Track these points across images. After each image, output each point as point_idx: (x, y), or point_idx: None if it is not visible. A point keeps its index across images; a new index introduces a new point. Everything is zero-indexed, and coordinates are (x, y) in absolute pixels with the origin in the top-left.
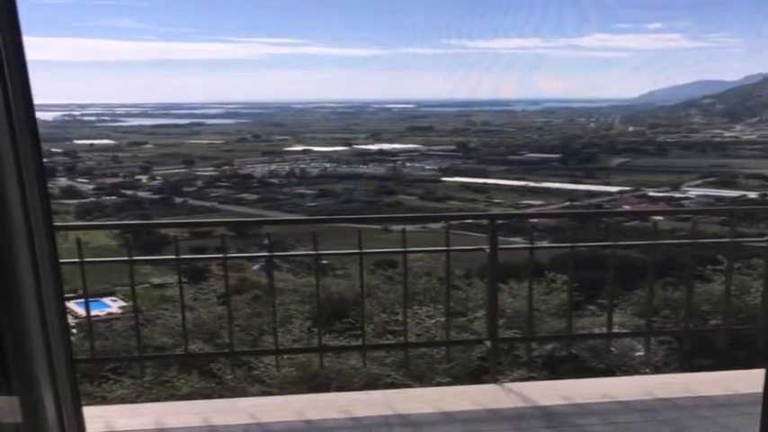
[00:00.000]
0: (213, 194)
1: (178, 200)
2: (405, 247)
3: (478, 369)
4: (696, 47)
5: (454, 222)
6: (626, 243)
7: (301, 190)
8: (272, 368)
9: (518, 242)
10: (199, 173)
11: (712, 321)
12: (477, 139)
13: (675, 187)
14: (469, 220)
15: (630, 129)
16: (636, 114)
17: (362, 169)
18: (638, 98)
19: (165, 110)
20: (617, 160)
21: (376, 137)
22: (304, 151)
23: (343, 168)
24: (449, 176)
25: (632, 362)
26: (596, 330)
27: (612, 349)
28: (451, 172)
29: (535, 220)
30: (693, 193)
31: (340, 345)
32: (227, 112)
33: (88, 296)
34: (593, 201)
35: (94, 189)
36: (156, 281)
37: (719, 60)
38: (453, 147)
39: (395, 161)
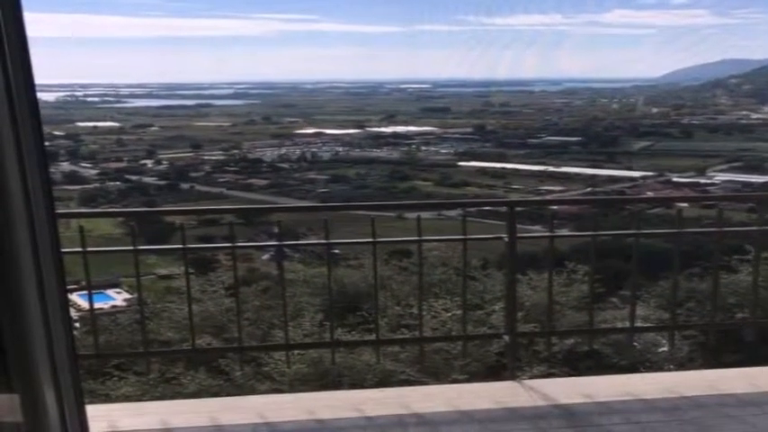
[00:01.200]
0: (221, 180)
1: (184, 186)
2: (420, 236)
3: (496, 365)
4: (723, 23)
5: (471, 210)
6: (649, 231)
7: (312, 175)
8: (282, 364)
9: (537, 230)
10: (206, 157)
11: (739, 314)
12: (495, 122)
13: (701, 172)
14: (487, 208)
15: (654, 110)
16: (660, 95)
17: (376, 153)
18: (661, 77)
19: (172, 90)
20: (640, 144)
21: (390, 119)
22: (315, 134)
23: (356, 152)
24: (465, 161)
25: (656, 358)
26: (619, 324)
27: (635, 344)
28: (468, 156)
29: (555, 208)
30: (719, 178)
31: (353, 339)
32: (236, 93)
33: (91, 288)
34: (616, 186)
35: (98, 174)
36: (161, 271)
37: (747, 38)
38: (470, 129)
39: (409, 145)
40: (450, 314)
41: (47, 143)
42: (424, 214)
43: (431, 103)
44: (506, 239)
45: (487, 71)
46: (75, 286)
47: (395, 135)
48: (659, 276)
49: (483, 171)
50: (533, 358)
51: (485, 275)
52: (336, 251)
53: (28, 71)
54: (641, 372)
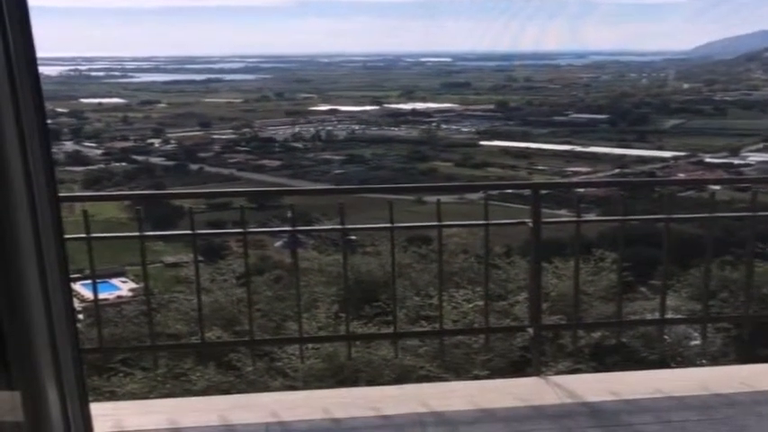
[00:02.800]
0: (232, 160)
1: (193, 167)
2: (440, 221)
3: (520, 360)
4: None
5: (494, 192)
6: (681, 216)
7: (327, 155)
8: (296, 359)
9: (563, 215)
10: (216, 136)
11: None
12: (519, 98)
13: (734, 152)
14: (510, 190)
15: (685, 86)
16: (691, 69)
17: (394, 132)
18: (693, 50)
19: (180, 64)
20: (671, 122)
21: (408, 95)
22: (330, 111)
23: (373, 131)
24: (487, 140)
25: (687, 352)
26: (648, 316)
27: (666, 337)
28: (490, 135)
29: (582, 190)
30: (754, 158)
31: (369, 332)
32: (248, 67)
33: (96, 277)
34: (645, 168)
35: (103, 154)
36: (169, 259)
37: None
38: (492, 106)
39: (429, 122)
40: (471, 305)
41: (49, 121)
42: (445, 198)
43: (451, 77)
44: (530, 224)
45: (510, 43)
46: (78, 275)
47: (414, 112)
48: (691, 264)
49: (506, 151)
50: (559, 352)
51: (508, 263)
52: (352, 237)
53: (29, 44)
54: (672, 367)
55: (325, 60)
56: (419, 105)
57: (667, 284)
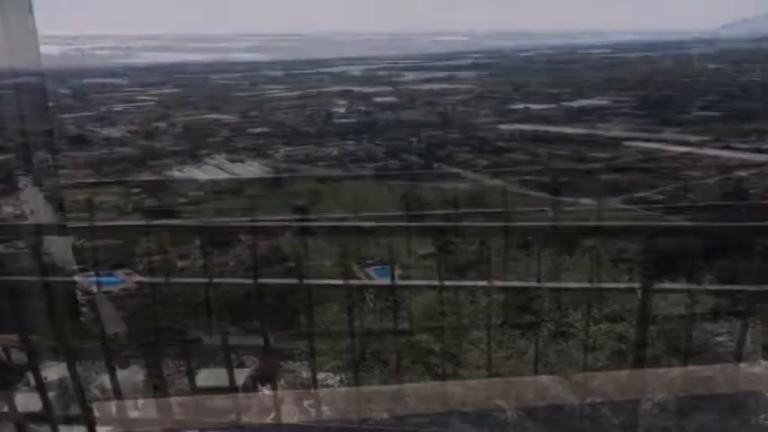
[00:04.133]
0: (240, 146)
1: (202, 152)
2: None
3: None
4: None
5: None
6: None
7: (338, 141)
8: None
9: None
10: (225, 120)
11: None
12: (538, 80)
13: (762, 137)
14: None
15: (711, 66)
16: (718, 49)
17: (409, 114)
18: (721, 29)
19: (187, 43)
20: (696, 105)
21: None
22: (343, 92)
23: (388, 114)
24: (507, 125)
25: None
26: None
27: None
28: (511, 119)
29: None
30: None
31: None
32: (256, 46)
33: (99, 269)
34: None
35: (107, 138)
36: (176, 250)
37: None
38: (511, 88)
39: (445, 105)
40: None
41: (50, 103)
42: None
43: (471, 58)
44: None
45: (530, 23)
46: (81, 266)
47: (431, 93)
48: None
49: (524, 136)
50: None
51: None
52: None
53: (30, 21)
54: None
55: (339, 39)
56: (435, 87)
57: None
